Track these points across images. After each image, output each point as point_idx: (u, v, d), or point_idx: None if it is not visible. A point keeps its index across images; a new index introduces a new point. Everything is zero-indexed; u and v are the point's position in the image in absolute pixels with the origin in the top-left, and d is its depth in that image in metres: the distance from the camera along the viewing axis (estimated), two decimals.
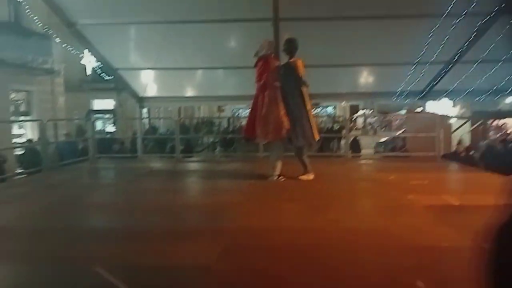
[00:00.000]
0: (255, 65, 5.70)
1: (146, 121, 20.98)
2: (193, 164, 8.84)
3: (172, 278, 2.54)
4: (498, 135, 10.32)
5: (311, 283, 2.43)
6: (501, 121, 11.80)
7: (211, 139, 20.20)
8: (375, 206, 4.66)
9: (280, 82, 5.52)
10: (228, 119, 31.46)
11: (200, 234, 3.46)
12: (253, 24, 10.05)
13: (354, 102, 31.73)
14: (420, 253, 2.93)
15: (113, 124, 21.04)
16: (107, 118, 21.28)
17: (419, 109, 14.17)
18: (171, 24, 10.04)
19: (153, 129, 20.13)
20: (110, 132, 19.77)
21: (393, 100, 14.03)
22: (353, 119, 29.80)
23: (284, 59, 5.86)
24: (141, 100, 13.23)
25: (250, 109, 5.81)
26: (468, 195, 4.94)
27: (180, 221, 3.98)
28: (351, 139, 16.00)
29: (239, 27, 10.68)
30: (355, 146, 15.62)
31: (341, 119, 20.25)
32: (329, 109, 34.79)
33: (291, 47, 5.64)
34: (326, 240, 3.25)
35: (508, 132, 11.41)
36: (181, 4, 9.55)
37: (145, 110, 18.22)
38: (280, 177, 5.70)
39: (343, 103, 30.78)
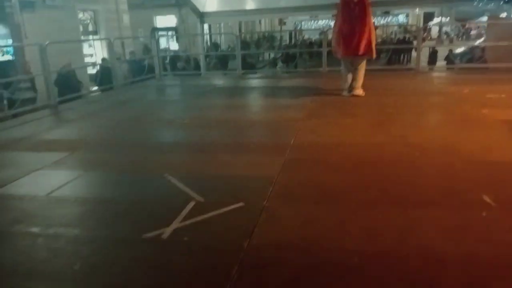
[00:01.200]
0: None
1: (208, 37, 20.92)
2: (255, 81, 8.84)
3: (235, 186, 2.69)
4: None
5: (370, 197, 2.46)
6: None
7: (272, 55, 19.83)
8: (444, 121, 4.44)
9: None
10: (290, 33, 30.41)
11: (263, 148, 3.57)
12: None
13: (428, 9, 28.93)
14: (489, 168, 2.81)
15: (176, 41, 21.26)
16: (171, 35, 21.48)
17: (503, 15, 12.65)
18: None
19: (214, 45, 20.10)
20: (174, 50, 20.07)
21: (473, 5, 12.58)
22: (427, 28, 27.41)
23: None
24: (202, 16, 13.06)
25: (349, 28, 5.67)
26: None
27: (244, 135, 4.11)
28: (430, 50, 14.89)
29: None
30: (433, 57, 14.55)
31: (413, 28, 18.78)
32: (401, 18, 32.07)
33: None
34: (389, 155, 3.21)
35: None
36: None
37: (206, 26, 18.08)
38: (351, 92, 5.79)
39: (416, 10, 28.21)
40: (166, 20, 22.06)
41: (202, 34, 14.45)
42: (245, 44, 19.59)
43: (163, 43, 19.32)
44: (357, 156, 3.19)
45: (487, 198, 2.32)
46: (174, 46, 21.24)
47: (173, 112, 5.65)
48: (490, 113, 4.28)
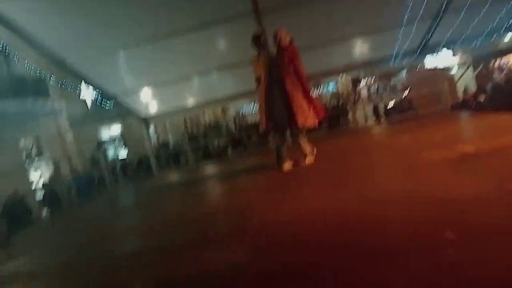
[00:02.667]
0: (279, 54, 5.59)
1: (155, 138, 21.16)
2: (208, 170, 8.92)
3: (205, 284, 2.58)
4: (502, 74, 10.10)
5: (344, 264, 2.46)
6: (503, 60, 11.56)
7: (221, 142, 20.28)
8: (390, 170, 4.65)
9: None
10: (234, 119, 31.52)
11: (226, 237, 3.51)
12: (235, 20, 10.03)
13: (353, 75, 31.41)
14: (444, 207, 2.92)
15: (124, 148, 21.29)
16: (118, 143, 21.55)
17: (418, 67, 14.01)
18: (156, 42, 10.08)
19: (163, 145, 20.28)
20: (123, 159, 20.01)
21: (391, 64, 13.89)
22: (356, 91, 29.46)
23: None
24: (146, 121, 13.35)
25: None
26: (482, 141, 4.89)
27: (205, 228, 4.03)
28: (372, 107, 15.78)
29: (223, 26, 10.68)
30: (376, 113, 15.44)
31: (344, 94, 20.13)
32: (330, 86, 34.39)
33: (263, 39, 5.72)
34: (349, 214, 3.26)
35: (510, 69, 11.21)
36: (161, 18, 9.59)
37: (152, 129, 18.36)
38: (291, 163, 5.65)
39: (342, 78, 30.53)
40: (112, 129, 22.24)
41: (149, 138, 14.63)
42: (193, 137, 19.97)
43: (112, 152, 19.27)
44: (322, 224, 3.21)
45: (450, 234, 2.39)
46: (123, 153, 21.22)
47: (129, 219, 5.48)
48: (430, 154, 4.55)
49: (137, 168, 12.24)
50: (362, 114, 15.63)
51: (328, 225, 3.15)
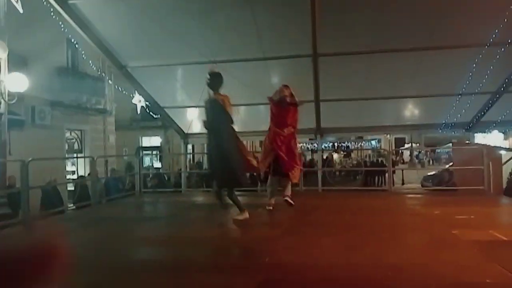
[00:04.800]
0: (286, 109, 6.12)
1: (190, 156, 21.58)
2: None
3: None
4: None
5: None
6: None
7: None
8: (416, 241, 4.51)
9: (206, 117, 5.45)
10: None
11: (237, 268, 3.52)
12: (293, 61, 10.30)
13: (399, 135, 30.97)
14: None
15: (159, 160, 21.82)
16: (155, 154, 22.16)
17: (466, 141, 13.66)
18: (213, 63, 10.46)
19: (197, 164, 20.64)
20: (157, 168, 20.47)
21: (439, 132, 13.64)
22: (399, 152, 28.97)
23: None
24: (186, 137, 13.69)
25: (278, 147, 5.99)
26: None
27: (219, 254, 4.05)
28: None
29: (280, 64, 10.96)
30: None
31: (385, 152, 19.87)
32: (373, 142, 34.03)
33: (216, 81, 5.39)
34: (364, 276, 3.19)
35: None
36: (223, 44, 10.00)
37: (190, 146, 18.80)
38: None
39: (387, 136, 30.18)
40: (152, 140, 22.95)
41: (185, 153, 14.95)
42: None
43: (147, 161, 19.78)
44: (334, 277, 3.16)
45: None
46: (158, 164, 21.74)
47: (148, 230, 5.58)
48: (461, 233, 4.39)
49: (161, 180, 12.48)
50: (400, 177, 15.30)
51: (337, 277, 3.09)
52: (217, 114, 5.24)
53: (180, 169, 13.05)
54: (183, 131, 13.72)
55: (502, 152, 8.74)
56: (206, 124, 5.40)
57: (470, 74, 9.83)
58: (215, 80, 5.37)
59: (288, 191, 6.05)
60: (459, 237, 4.29)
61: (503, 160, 8.06)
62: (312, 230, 4.90)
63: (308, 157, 20.49)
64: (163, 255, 4.15)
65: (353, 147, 26.97)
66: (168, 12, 8.87)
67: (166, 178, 13.70)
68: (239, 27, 9.27)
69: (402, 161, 30.49)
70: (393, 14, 8.80)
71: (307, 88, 10.59)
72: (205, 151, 5.39)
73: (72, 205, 9.91)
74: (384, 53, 10.02)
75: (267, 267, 3.46)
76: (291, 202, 5.93)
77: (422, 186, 12.22)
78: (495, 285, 2.88)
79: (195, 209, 7.40)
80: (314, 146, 22.81)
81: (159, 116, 16.03)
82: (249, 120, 13.62)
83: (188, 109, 13.01)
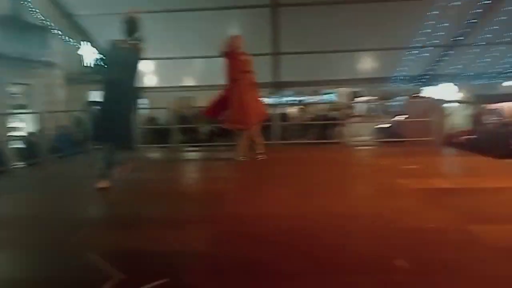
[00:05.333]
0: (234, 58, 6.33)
1: (145, 112, 20.99)
2: (191, 154, 8.90)
3: (161, 263, 2.61)
4: (493, 119, 10.27)
5: (295, 268, 2.50)
6: (498, 105, 11.74)
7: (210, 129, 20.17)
8: (363, 191, 4.73)
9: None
10: None
11: (191, 220, 3.55)
12: (251, 11, 10.04)
13: (355, 89, 31.60)
14: (406, 235, 2.99)
15: None
16: None
17: (417, 94, 14.15)
18: (169, 13, 10.00)
19: (152, 120, 20.12)
20: None
21: (392, 85, 14.01)
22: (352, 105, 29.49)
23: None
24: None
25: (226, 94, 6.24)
26: (459, 179, 5.01)
27: (171, 209, 4.05)
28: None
29: (237, 14, 10.66)
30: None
31: (340, 106, 20.17)
32: (328, 96, 34.47)
33: (136, 27, 4.81)
34: (312, 225, 3.31)
35: (503, 116, 11.36)
36: None
37: (144, 101, 18.18)
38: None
39: (343, 90, 30.70)
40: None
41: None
42: (184, 119, 19.82)
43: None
44: (283, 227, 3.25)
45: (401, 262, 2.46)
46: None
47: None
48: (406, 182, 4.62)
49: None
50: (352, 131, 15.68)
51: (286, 227, 3.20)
52: (131, 66, 4.71)
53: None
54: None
55: (451, 105, 9.14)
56: (111, 73, 4.67)
57: (422, 27, 10.04)
58: (135, 26, 4.78)
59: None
60: (404, 185, 4.52)
61: (449, 113, 8.44)
62: (267, 183, 5.00)
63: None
64: (114, 212, 4.10)
65: (309, 101, 27.25)
66: None
67: None
68: None
69: (357, 114, 31.24)
70: None
71: (265, 41, 10.45)
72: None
73: (19, 163, 9.47)
74: (343, 4, 9.97)
75: (221, 219, 3.51)
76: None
77: (375, 138, 12.63)
78: (437, 229, 3.09)
79: (148, 165, 7.29)
80: (272, 101, 22.81)
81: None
82: (205, 73, 13.34)
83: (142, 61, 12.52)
